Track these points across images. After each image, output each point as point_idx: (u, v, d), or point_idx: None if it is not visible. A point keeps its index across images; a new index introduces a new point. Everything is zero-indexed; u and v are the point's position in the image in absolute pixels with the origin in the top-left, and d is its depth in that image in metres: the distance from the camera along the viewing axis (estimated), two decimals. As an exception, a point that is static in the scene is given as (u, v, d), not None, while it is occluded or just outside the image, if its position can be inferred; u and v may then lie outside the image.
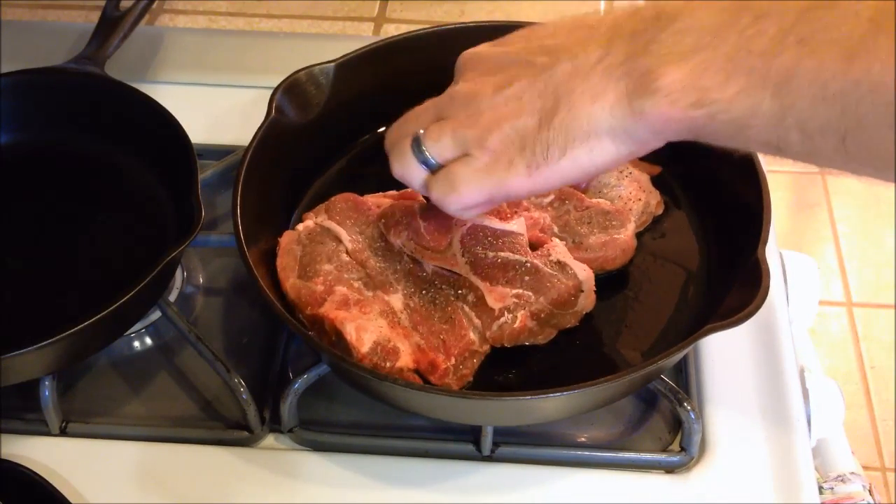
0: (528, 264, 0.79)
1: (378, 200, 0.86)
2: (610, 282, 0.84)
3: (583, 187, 0.88)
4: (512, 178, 0.63)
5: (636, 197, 0.87)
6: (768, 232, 0.77)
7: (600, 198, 0.87)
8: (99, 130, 0.94)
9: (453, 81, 0.69)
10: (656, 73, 0.56)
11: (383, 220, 0.83)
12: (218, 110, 1.06)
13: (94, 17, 1.01)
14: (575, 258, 0.82)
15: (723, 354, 0.83)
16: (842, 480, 0.92)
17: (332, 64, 0.92)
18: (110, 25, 1.00)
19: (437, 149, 0.66)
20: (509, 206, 0.85)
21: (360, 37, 1.22)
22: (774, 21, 0.53)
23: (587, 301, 0.79)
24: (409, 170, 0.68)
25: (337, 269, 0.80)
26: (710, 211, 0.89)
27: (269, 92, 0.89)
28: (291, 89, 0.89)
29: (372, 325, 0.75)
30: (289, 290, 0.79)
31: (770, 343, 0.85)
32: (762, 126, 0.55)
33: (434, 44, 0.97)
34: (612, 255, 0.84)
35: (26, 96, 0.95)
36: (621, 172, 0.88)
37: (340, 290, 0.78)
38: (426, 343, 0.76)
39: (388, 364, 0.73)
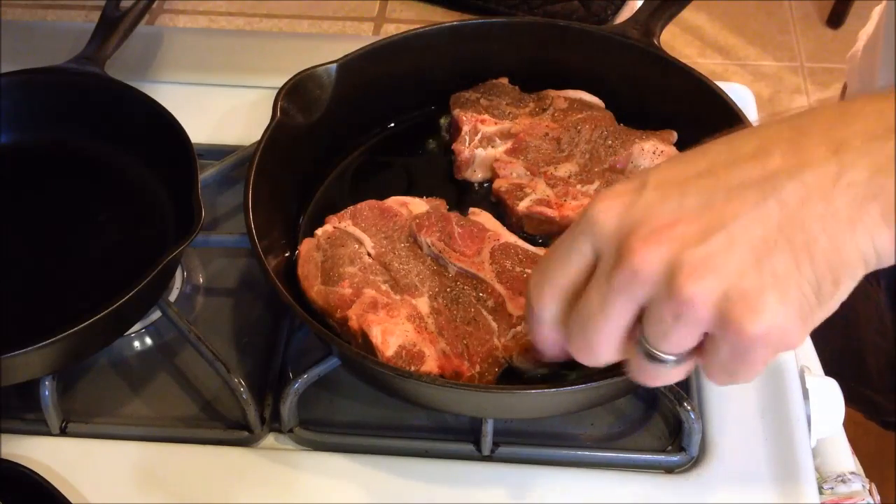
0: None
1: (401, 200, 0.87)
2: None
3: (619, 167, 0.90)
4: (793, 336, 0.52)
5: None
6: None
7: None
8: (99, 130, 0.94)
9: (618, 253, 0.54)
10: None
11: (416, 220, 0.84)
12: (218, 110, 1.06)
13: (94, 17, 1.01)
14: None
15: (723, 354, 0.83)
16: (842, 480, 0.91)
17: (335, 64, 0.92)
18: (110, 25, 1.00)
19: (675, 345, 0.54)
20: (558, 196, 0.86)
21: (360, 37, 1.22)
22: None
23: None
24: (652, 376, 0.57)
25: (361, 270, 0.81)
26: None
27: (270, 92, 0.89)
28: (295, 90, 0.89)
29: (398, 329, 0.75)
30: (315, 298, 0.80)
31: (770, 343, 0.85)
32: None
33: (435, 42, 0.97)
34: None
35: (26, 96, 0.95)
36: (654, 153, 0.90)
37: (369, 292, 0.78)
38: (451, 349, 0.76)
39: (412, 368, 0.74)
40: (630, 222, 0.54)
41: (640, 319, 0.55)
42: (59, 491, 0.73)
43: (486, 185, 0.93)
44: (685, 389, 0.80)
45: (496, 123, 0.94)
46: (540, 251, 0.84)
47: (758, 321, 0.51)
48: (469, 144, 0.93)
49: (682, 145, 0.91)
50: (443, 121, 0.99)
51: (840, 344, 1.16)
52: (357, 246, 0.83)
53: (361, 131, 0.98)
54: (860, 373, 1.19)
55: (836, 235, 0.51)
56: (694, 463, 0.77)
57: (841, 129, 0.51)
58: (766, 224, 0.51)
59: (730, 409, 0.80)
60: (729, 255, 0.51)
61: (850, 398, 0.84)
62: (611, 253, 0.54)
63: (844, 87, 1.25)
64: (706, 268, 0.51)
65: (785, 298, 0.51)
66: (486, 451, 0.78)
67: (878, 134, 0.51)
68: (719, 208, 0.52)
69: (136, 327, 0.85)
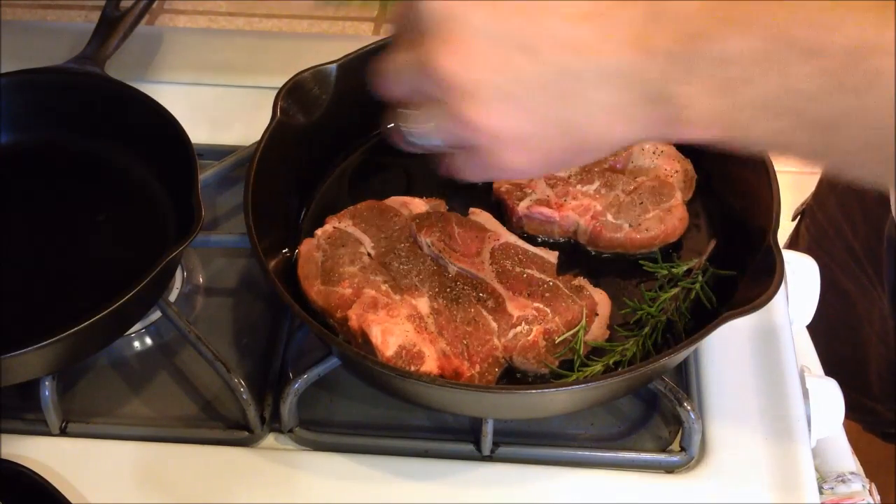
0: (551, 283, 0.80)
1: (401, 200, 0.87)
2: (618, 274, 0.86)
3: (619, 166, 0.91)
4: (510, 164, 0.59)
5: (673, 168, 0.90)
6: (779, 220, 0.78)
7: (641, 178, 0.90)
8: (99, 130, 0.94)
9: (430, 39, 0.57)
10: (695, 107, 0.53)
11: (417, 220, 0.84)
12: (218, 110, 1.06)
13: (94, 17, 1.01)
14: (636, 240, 0.85)
15: (723, 354, 0.83)
16: (842, 480, 0.92)
17: (335, 64, 0.92)
18: (110, 25, 1.00)
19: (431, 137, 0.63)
20: (558, 196, 0.87)
21: (360, 37, 1.22)
22: (825, 63, 0.50)
23: (599, 331, 0.80)
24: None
25: (361, 270, 0.81)
26: (719, 203, 0.90)
27: (270, 92, 0.89)
28: (295, 91, 0.89)
29: (398, 329, 0.76)
30: (315, 298, 0.80)
31: (770, 343, 0.85)
32: (795, 152, 0.55)
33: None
34: (671, 227, 0.86)
35: (26, 96, 0.95)
36: (654, 152, 0.90)
37: (369, 292, 0.79)
38: (451, 349, 0.76)
39: (412, 368, 0.74)
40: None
41: None
42: (59, 491, 0.73)
43: (486, 185, 0.93)
44: (685, 389, 0.80)
45: (496, 123, 0.94)
46: (540, 251, 0.84)
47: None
48: (469, 144, 0.93)
49: (681, 145, 0.92)
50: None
51: (843, 352, 1.16)
52: (357, 246, 0.83)
53: (361, 131, 0.98)
54: (861, 382, 1.20)
55: (598, 123, 0.56)
56: (694, 463, 0.77)
57: (653, 37, 0.53)
58: (543, 88, 0.56)
59: (730, 409, 0.80)
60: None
61: (851, 408, 0.84)
62: None
63: None
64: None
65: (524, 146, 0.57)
66: (486, 451, 0.78)
67: (677, 47, 0.53)
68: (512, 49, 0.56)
69: (136, 327, 0.85)
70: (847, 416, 0.83)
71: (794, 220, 1.26)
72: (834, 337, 1.02)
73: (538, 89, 0.56)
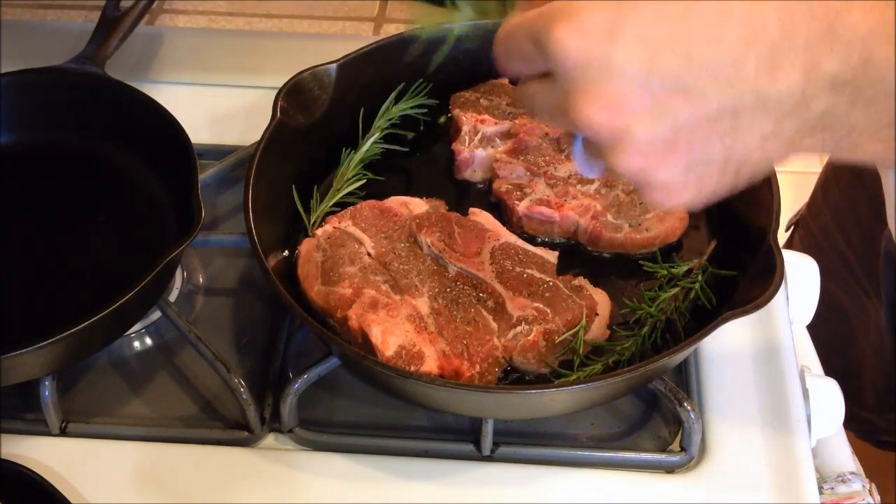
0: (551, 283, 0.80)
1: (401, 200, 0.87)
2: (618, 274, 0.86)
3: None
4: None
5: None
6: (779, 220, 0.78)
7: None
8: (99, 130, 0.95)
9: (570, 88, 0.51)
10: (862, 148, 0.51)
11: (417, 220, 0.84)
12: (218, 110, 1.06)
13: (94, 17, 1.01)
14: (636, 240, 0.86)
15: (723, 354, 0.83)
16: (842, 480, 0.91)
17: (335, 64, 0.92)
18: (110, 25, 1.00)
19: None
20: (558, 196, 0.87)
21: (360, 37, 1.22)
22: None
23: (599, 331, 0.80)
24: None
25: (361, 270, 0.81)
26: (718, 203, 0.89)
27: (270, 92, 0.89)
28: (295, 91, 0.89)
29: (398, 329, 0.76)
30: (315, 298, 0.80)
31: (770, 343, 0.85)
32: None
33: (434, 42, 0.97)
34: (671, 227, 0.86)
35: (26, 96, 0.95)
36: None
37: (369, 292, 0.79)
38: (451, 349, 0.76)
39: (412, 368, 0.74)
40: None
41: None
42: (59, 491, 0.73)
43: (486, 185, 0.94)
44: (685, 389, 0.80)
45: (496, 123, 0.94)
46: (540, 251, 0.84)
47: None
48: (469, 144, 0.93)
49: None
50: (442, 121, 0.99)
51: (836, 363, 1.16)
52: (357, 246, 0.83)
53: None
54: (855, 393, 1.19)
55: (765, 160, 0.52)
56: (694, 463, 0.77)
57: (819, 63, 0.49)
58: (712, 141, 0.51)
59: (730, 409, 0.80)
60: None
61: (845, 418, 0.84)
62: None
63: None
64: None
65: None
66: (486, 451, 0.78)
67: (843, 77, 0.49)
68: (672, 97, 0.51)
69: (136, 327, 0.86)
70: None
71: (787, 230, 1.26)
72: (826, 348, 1.02)
73: (695, 129, 0.51)
